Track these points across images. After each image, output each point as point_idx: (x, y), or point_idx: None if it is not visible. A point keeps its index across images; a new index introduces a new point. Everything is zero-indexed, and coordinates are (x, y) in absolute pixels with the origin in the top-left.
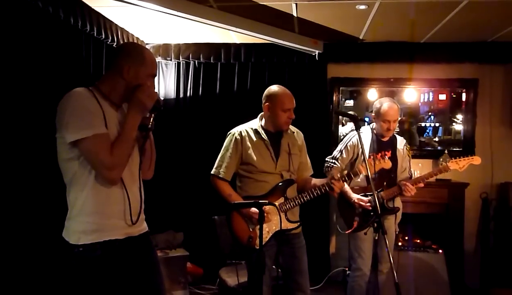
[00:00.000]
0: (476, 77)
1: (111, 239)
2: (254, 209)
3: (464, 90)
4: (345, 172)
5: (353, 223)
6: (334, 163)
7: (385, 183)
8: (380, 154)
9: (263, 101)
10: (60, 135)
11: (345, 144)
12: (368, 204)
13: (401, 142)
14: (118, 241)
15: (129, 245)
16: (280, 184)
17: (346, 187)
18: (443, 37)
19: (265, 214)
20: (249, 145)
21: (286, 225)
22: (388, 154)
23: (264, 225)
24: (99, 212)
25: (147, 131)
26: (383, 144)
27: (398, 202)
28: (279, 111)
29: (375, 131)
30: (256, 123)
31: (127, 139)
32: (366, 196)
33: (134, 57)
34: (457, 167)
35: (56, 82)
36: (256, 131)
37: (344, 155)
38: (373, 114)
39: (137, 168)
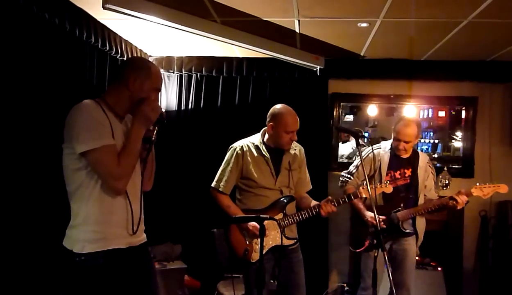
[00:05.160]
0: (476, 96)
1: (114, 248)
2: (252, 223)
3: (463, 108)
4: (345, 195)
5: (364, 242)
6: (350, 178)
7: (402, 204)
8: (398, 172)
9: (268, 120)
10: (68, 145)
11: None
12: (382, 223)
13: (423, 159)
14: (121, 250)
15: (130, 254)
16: (280, 200)
17: (361, 205)
18: (443, 56)
19: None
20: (250, 160)
21: (284, 241)
22: (408, 172)
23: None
24: (104, 221)
25: (151, 144)
26: (402, 162)
27: (421, 224)
28: (282, 132)
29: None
30: (258, 139)
31: (132, 151)
32: (382, 215)
33: (141, 70)
34: (481, 194)
35: (60, 92)
36: (257, 147)
37: (360, 171)
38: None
39: (139, 179)
